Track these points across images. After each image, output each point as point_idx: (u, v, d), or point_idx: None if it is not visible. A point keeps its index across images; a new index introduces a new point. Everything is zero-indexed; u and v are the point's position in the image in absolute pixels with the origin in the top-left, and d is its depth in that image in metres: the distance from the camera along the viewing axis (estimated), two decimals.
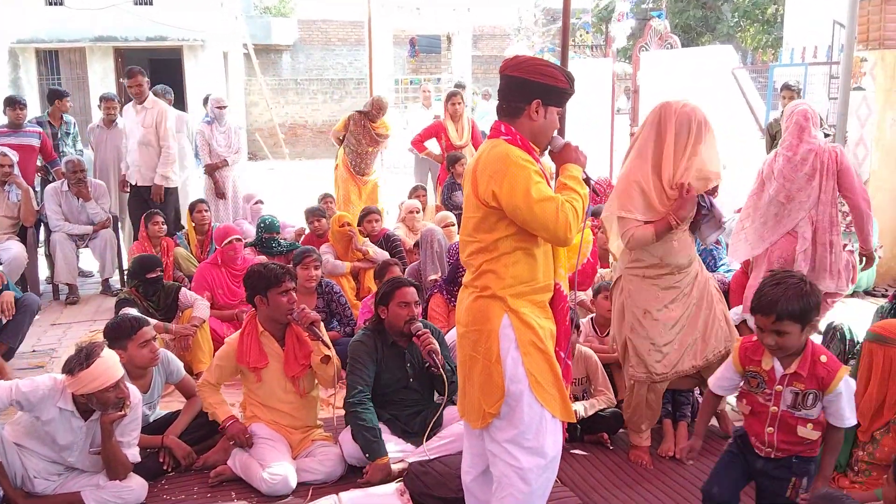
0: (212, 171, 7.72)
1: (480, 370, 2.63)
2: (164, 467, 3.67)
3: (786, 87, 7.78)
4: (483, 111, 15.62)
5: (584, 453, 3.89)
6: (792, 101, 7.49)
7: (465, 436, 2.88)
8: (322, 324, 3.73)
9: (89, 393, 3.19)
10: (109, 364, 3.22)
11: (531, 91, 2.59)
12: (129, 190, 7.27)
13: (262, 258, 6.22)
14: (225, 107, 7.96)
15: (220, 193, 7.72)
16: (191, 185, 8.10)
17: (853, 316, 5.64)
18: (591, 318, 4.66)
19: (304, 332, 3.69)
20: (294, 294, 3.70)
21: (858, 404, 3.03)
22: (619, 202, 3.51)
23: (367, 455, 3.54)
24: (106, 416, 3.26)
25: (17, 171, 6.44)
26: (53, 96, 7.68)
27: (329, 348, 3.69)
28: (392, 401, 3.83)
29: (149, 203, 6.97)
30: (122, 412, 3.30)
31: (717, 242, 5.57)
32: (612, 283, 4.73)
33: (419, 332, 3.66)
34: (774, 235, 4.29)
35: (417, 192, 7.73)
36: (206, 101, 8.40)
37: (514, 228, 2.56)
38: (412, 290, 3.76)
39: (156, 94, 8.03)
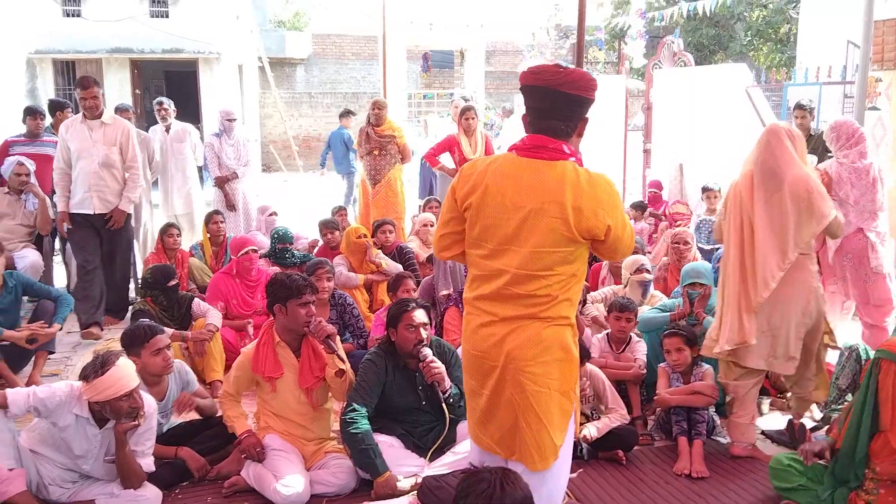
0: (222, 183, 7.78)
1: (556, 404, 2.47)
2: (195, 474, 3.66)
3: (798, 106, 7.72)
4: (509, 127, 15.60)
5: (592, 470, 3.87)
6: (805, 120, 7.43)
7: None
8: (338, 337, 3.73)
9: (103, 401, 3.20)
10: (124, 373, 3.24)
11: (586, 109, 2.48)
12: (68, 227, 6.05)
13: (276, 269, 6.25)
14: (234, 119, 8.02)
15: (230, 206, 7.77)
16: (195, 197, 8.14)
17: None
18: (607, 335, 4.64)
19: (319, 345, 3.69)
20: (313, 307, 3.69)
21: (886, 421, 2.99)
22: (829, 204, 3.71)
23: (368, 474, 3.53)
24: (120, 426, 3.27)
25: (33, 179, 6.49)
26: (55, 108, 7.60)
27: (344, 362, 3.69)
28: (405, 420, 3.82)
29: (101, 233, 6.10)
30: (136, 422, 3.30)
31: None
32: (627, 299, 4.73)
33: (424, 359, 3.65)
34: (847, 230, 4.83)
35: (430, 204, 7.74)
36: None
37: (585, 254, 2.49)
38: (420, 311, 3.72)
39: (158, 106, 8.10)
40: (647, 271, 5.21)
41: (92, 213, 5.96)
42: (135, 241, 7.27)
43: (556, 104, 2.42)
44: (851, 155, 4.90)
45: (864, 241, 4.90)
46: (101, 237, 6.07)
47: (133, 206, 6.26)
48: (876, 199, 4.87)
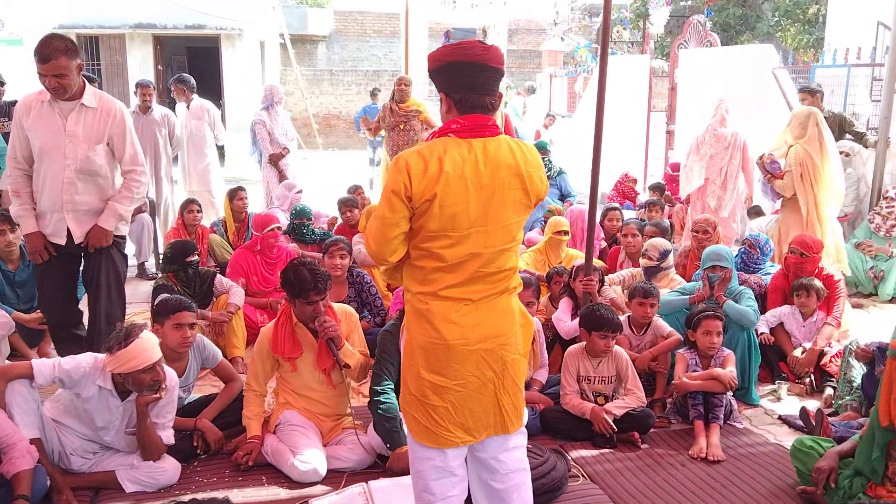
0: (277, 159, 7.91)
1: (523, 366, 2.59)
2: (198, 451, 3.71)
3: (801, 90, 7.66)
4: (526, 107, 15.55)
5: (613, 451, 3.88)
6: (805, 102, 7.42)
7: (448, 484, 2.55)
8: (343, 340, 3.70)
9: (126, 373, 3.25)
10: (147, 346, 3.28)
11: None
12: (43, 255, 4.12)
13: (294, 246, 6.29)
14: (283, 95, 8.38)
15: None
16: (212, 175, 8.20)
17: (881, 324, 5.61)
18: (628, 317, 4.63)
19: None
20: (322, 306, 3.63)
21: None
22: None
23: (387, 445, 3.56)
24: (141, 398, 3.33)
25: None
26: None
27: (340, 365, 3.67)
28: None
29: (76, 259, 4.25)
30: (157, 395, 3.35)
31: (753, 247, 5.47)
32: (650, 285, 4.71)
33: None
34: (699, 181, 6.93)
35: None
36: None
37: None
38: None
39: (179, 84, 8.10)
40: (649, 258, 5.21)
41: (63, 243, 4.11)
42: (156, 217, 7.35)
43: (488, 80, 2.43)
44: (713, 122, 6.71)
45: (705, 188, 6.76)
46: (85, 267, 4.30)
47: (124, 228, 4.33)
48: (730, 159, 6.60)
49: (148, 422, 3.38)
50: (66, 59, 3.79)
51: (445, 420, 2.48)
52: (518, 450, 2.63)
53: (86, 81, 4.03)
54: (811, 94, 7.42)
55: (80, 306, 4.49)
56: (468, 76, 2.40)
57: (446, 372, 2.45)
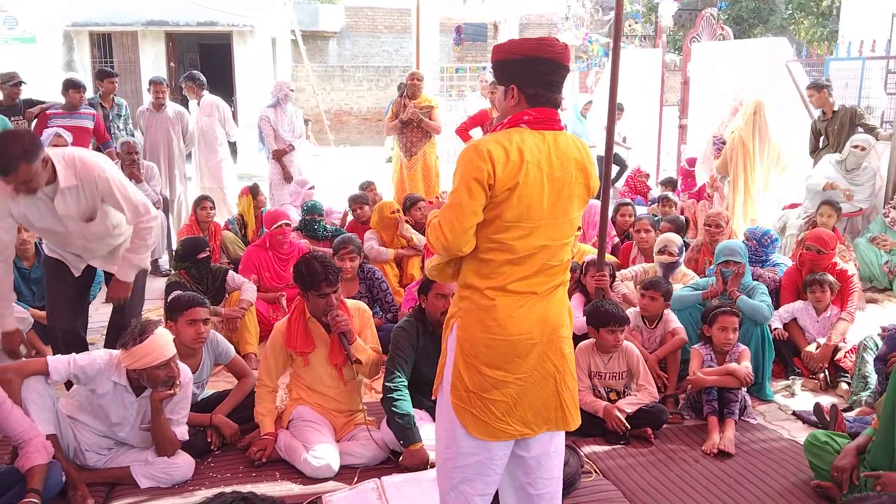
0: (280, 156, 7.93)
1: (573, 358, 2.60)
2: (212, 447, 3.74)
3: (809, 86, 7.62)
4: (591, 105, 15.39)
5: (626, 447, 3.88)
6: (813, 98, 7.46)
7: (490, 482, 2.52)
8: (355, 335, 3.71)
9: (141, 368, 3.27)
10: (162, 342, 3.30)
11: None
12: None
13: (306, 242, 6.31)
14: (293, 90, 8.29)
15: (288, 178, 7.96)
16: (225, 171, 8.22)
17: None
18: (640, 311, 4.61)
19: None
20: (334, 298, 3.64)
21: None
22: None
23: (401, 441, 3.57)
24: (156, 394, 3.35)
25: None
26: (103, 75, 7.82)
27: (351, 360, 3.68)
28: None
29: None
30: (172, 391, 3.37)
31: (749, 239, 5.43)
32: (658, 278, 4.70)
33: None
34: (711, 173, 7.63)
35: None
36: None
37: None
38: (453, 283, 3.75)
39: (189, 82, 8.13)
40: (671, 253, 5.15)
41: (78, 275, 4.10)
42: (169, 214, 7.39)
43: (562, 79, 2.45)
44: (726, 117, 7.25)
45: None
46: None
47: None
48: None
49: (162, 418, 3.40)
50: (26, 166, 3.38)
51: (506, 415, 2.45)
52: (558, 456, 2.60)
53: (54, 164, 3.57)
54: (818, 89, 7.43)
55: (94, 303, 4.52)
56: (546, 73, 2.40)
57: (508, 366, 2.43)
